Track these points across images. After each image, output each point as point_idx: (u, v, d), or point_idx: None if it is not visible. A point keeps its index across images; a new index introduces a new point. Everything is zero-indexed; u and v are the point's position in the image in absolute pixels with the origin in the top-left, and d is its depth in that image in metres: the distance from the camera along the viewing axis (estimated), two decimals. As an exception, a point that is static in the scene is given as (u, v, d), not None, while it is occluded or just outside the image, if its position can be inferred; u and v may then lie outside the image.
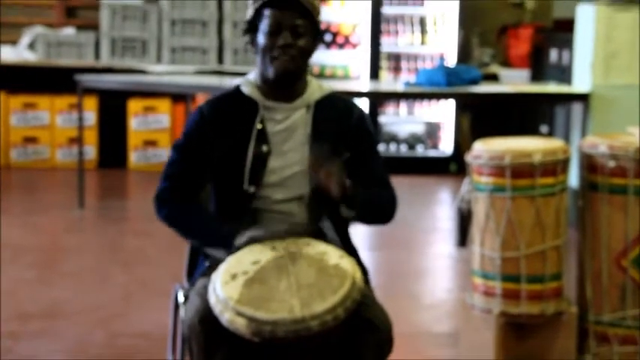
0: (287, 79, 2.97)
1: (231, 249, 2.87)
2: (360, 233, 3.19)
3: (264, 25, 2.95)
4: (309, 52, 2.98)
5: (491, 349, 4.05)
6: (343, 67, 9.38)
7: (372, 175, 3.06)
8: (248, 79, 3.07)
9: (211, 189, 3.06)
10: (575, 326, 4.06)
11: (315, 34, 2.99)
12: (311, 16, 2.95)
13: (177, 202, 3.00)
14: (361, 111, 3.11)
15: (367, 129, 3.09)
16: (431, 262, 6.26)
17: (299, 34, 2.94)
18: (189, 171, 3.02)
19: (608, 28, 6.47)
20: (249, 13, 2.99)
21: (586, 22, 6.66)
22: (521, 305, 3.95)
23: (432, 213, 7.87)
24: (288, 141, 3.01)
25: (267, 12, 2.94)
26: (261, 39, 2.96)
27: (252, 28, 2.99)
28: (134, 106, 9.16)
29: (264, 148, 2.98)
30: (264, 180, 2.96)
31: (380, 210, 3.05)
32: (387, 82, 8.93)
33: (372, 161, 3.08)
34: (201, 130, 3.01)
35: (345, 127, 3.04)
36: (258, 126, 3.00)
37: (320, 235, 2.94)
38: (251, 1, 3.00)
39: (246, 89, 3.04)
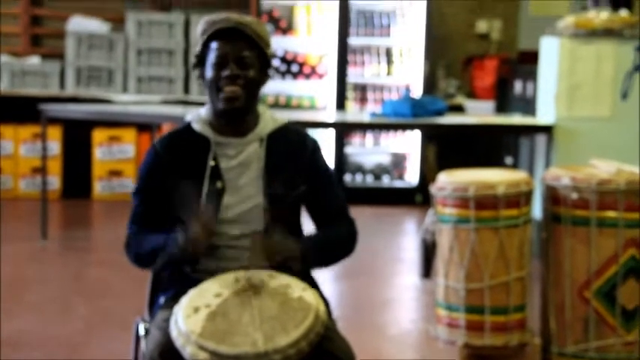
0: (236, 111, 2.94)
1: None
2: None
3: (211, 58, 2.94)
4: (257, 83, 2.96)
5: (456, 381, 4.05)
6: (310, 97, 9.40)
7: (329, 209, 3.06)
8: (199, 115, 3.05)
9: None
10: (538, 358, 4.06)
11: (264, 66, 2.98)
12: (258, 47, 2.95)
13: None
14: (315, 142, 3.10)
15: (322, 160, 3.08)
16: (396, 293, 6.25)
17: (246, 65, 2.92)
18: (152, 212, 3.02)
19: (571, 60, 6.52)
20: (198, 47, 2.99)
21: (550, 54, 6.71)
22: (485, 337, 3.95)
23: (398, 244, 7.87)
24: (243, 176, 3.00)
25: (214, 45, 2.94)
26: (208, 72, 2.95)
27: (201, 62, 2.99)
28: (99, 135, 9.11)
29: (219, 184, 2.97)
30: (220, 216, 2.94)
31: (338, 254, 3.07)
32: (353, 113, 8.95)
33: (330, 194, 3.08)
34: (157, 168, 3.00)
35: (299, 160, 3.03)
36: (211, 163, 2.99)
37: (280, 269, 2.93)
38: (200, 35, 2.99)
39: (197, 126, 3.02)
